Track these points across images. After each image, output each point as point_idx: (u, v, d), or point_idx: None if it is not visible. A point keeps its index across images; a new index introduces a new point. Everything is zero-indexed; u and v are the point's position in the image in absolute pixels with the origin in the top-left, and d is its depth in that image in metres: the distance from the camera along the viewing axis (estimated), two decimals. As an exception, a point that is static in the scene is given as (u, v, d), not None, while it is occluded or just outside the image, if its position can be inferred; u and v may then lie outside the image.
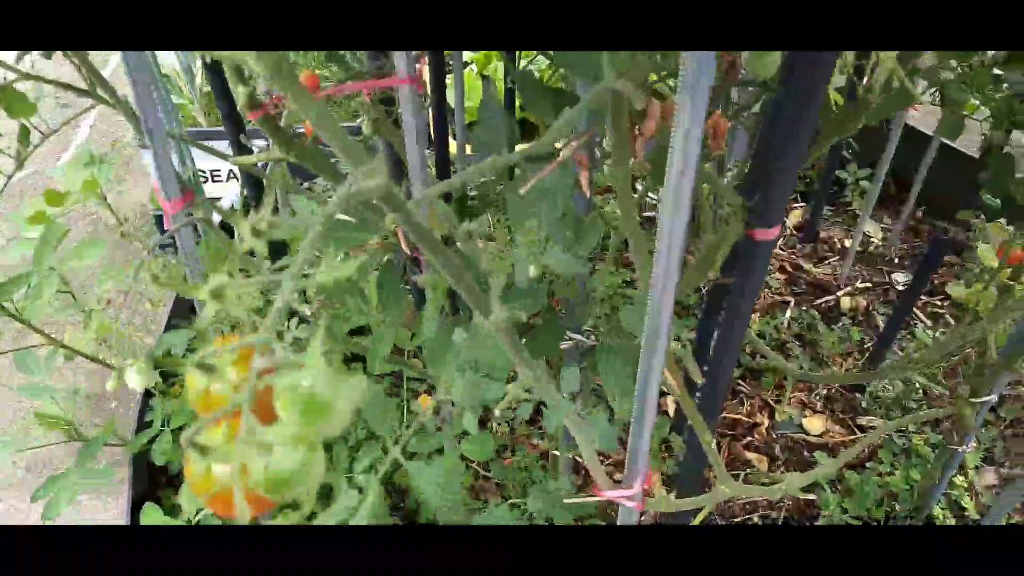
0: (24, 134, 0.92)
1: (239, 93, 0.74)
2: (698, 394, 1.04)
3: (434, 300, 0.92)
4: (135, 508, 1.33)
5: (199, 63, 2.26)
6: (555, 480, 1.26)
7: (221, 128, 1.55)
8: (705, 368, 0.97)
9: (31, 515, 1.74)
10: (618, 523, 0.89)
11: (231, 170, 2.17)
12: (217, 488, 0.31)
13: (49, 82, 0.82)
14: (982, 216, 1.36)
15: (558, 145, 0.73)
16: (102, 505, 1.75)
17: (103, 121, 3.30)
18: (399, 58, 0.85)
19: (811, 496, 1.53)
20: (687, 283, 0.97)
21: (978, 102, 1.16)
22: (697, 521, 1.04)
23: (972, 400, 1.31)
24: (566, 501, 0.89)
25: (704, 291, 1.79)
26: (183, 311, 1.67)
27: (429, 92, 1.31)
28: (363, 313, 1.01)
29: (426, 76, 1.28)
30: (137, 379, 0.73)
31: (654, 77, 0.70)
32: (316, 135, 1.25)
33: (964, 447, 1.37)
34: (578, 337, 1.11)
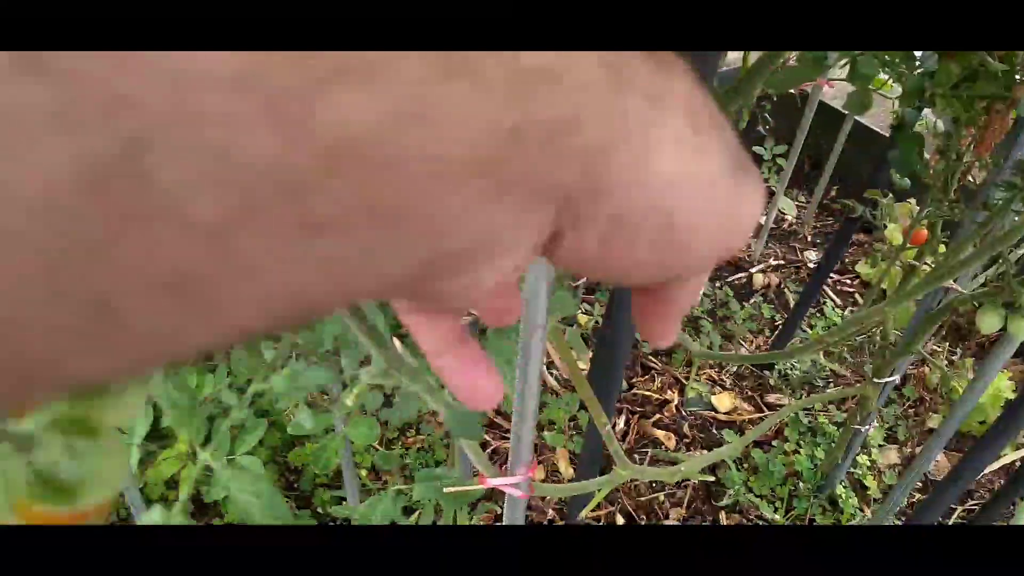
0: None
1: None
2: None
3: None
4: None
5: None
6: (452, 466, 1.20)
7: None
8: (604, 345, 0.92)
9: None
10: (506, 510, 0.83)
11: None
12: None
13: None
14: (890, 195, 1.35)
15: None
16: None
17: None
18: None
19: (715, 475, 1.52)
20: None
21: (889, 78, 1.14)
22: (593, 504, 0.99)
23: (874, 380, 1.31)
24: (446, 490, 0.83)
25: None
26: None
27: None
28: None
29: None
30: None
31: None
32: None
33: (867, 427, 1.37)
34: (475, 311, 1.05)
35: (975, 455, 1.08)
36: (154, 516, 0.50)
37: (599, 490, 1.10)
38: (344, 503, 1.17)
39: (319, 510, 1.36)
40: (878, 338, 1.30)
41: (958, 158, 0.97)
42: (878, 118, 2.21)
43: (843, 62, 1.11)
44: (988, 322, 0.84)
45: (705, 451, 1.57)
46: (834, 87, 1.81)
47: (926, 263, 1.22)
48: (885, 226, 1.36)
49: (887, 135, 1.40)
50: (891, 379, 1.30)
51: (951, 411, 1.12)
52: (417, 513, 1.11)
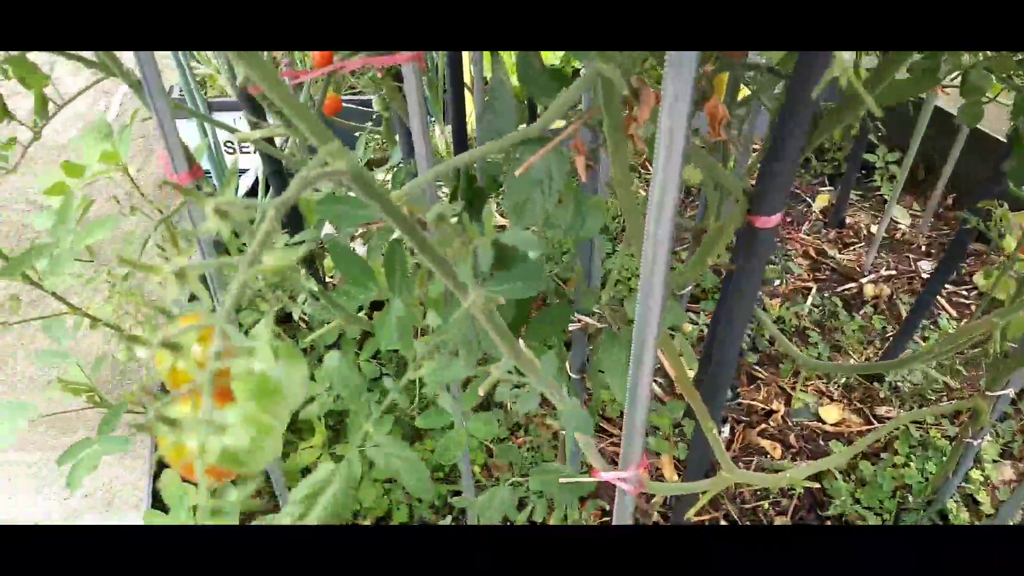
0: (40, 103, 0.93)
1: (239, 72, 0.75)
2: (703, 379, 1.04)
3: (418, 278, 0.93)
4: (157, 472, 1.37)
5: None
6: (563, 462, 1.27)
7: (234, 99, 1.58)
8: (711, 354, 0.97)
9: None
10: (615, 506, 0.89)
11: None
12: (186, 458, 0.32)
13: (62, 53, 0.83)
14: (1005, 204, 1.33)
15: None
16: (126, 470, 1.80)
17: (134, 99, 3.34)
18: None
19: (821, 485, 1.52)
20: (692, 270, 0.96)
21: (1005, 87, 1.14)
22: (698, 506, 1.04)
23: (987, 393, 1.30)
24: (561, 481, 0.90)
25: (722, 276, 1.77)
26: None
27: (448, 70, 1.31)
28: (371, 291, 1.02)
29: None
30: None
31: (652, 63, 0.69)
32: (321, 111, 1.26)
33: (978, 440, 1.36)
34: (585, 319, 1.12)
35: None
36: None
37: (704, 492, 1.13)
38: (461, 495, 1.26)
39: (435, 503, 1.46)
40: (992, 349, 1.29)
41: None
42: (998, 122, 2.14)
43: (955, 74, 1.12)
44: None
45: (811, 461, 1.58)
46: (950, 93, 1.77)
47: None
48: (1002, 235, 1.33)
49: (1005, 140, 1.38)
50: (1005, 392, 1.29)
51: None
52: (530, 508, 1.18)
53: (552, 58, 2.10)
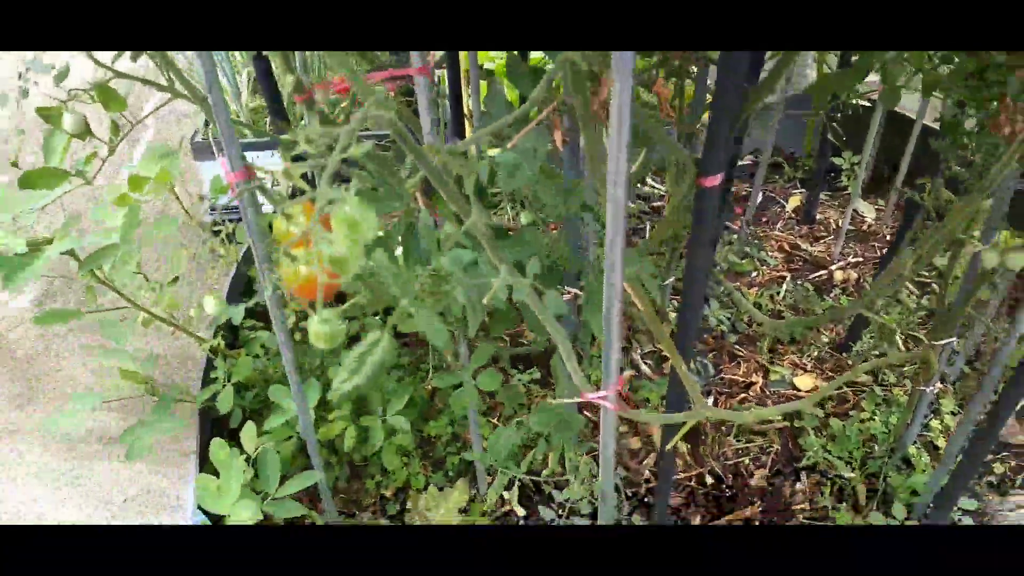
0: (115, 126, 1.14)
1: (286, 82, 0.95)
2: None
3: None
4: (203, 454, 1.55)
5: (245, 78, 2.49)
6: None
7: (265, 139, 1.80)
8: (679, 300, 1.16)
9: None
10: (601, 424, 1.07)
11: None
12: (299, 279, 0.51)
13: (138, 79, 1.04)
14: (940, 181, 1.53)
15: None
16: (161, 477, 1.96)
17: (159, 133, 3.57)
18: (414, 53, 1.05)
19: (797, 441, 1.69)
20: (660, 232, 1.15)
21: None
22: (679, 436, 1.21)
23: (934, 343, 1.48)
24: (552, 402, 1.07)
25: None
26: (235, 295, 1.90)
27: (447, 87, 1.52)
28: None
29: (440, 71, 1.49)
30: (214, 306, 0.94)
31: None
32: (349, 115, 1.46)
33: (931, 388, 1.53)
34: (574, 290, 1.31)
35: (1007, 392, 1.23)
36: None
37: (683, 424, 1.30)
38: (471, 450, 1.43)
39: (449, 473, 1.63)
40: (937, 303, 1.47)
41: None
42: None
43: (877, 66, 1.32)
44: (989, 258, 1.03)
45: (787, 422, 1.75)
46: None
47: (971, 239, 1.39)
48: (940, 212, 1.53)
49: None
50: (949, 340, 1.47)
51: (993, 358, 1.29)
52: (532, 452, 1.36)
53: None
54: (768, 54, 1.31)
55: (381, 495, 1.58)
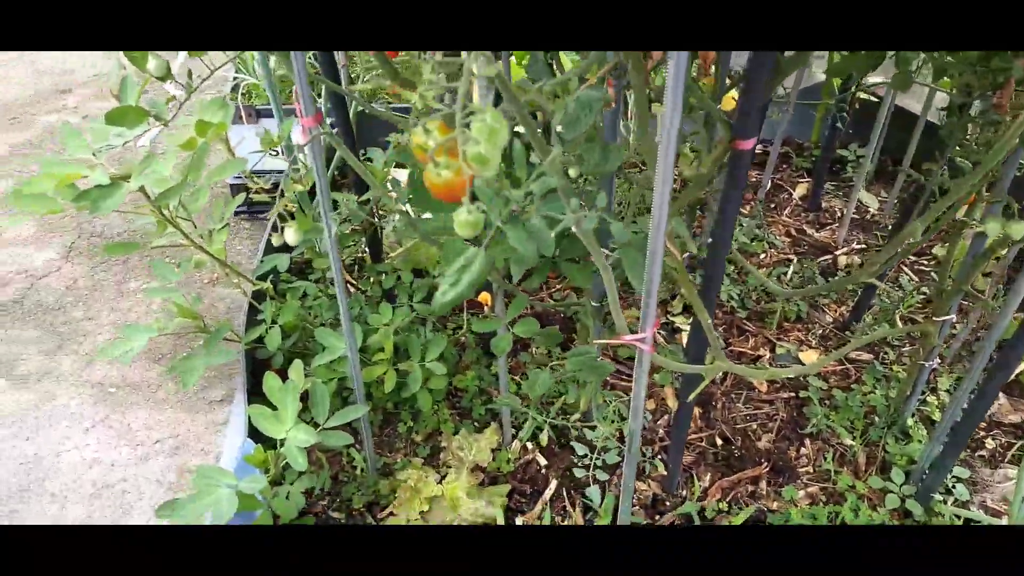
0: (188, 74, 1.22)
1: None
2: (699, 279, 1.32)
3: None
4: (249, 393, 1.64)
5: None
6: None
7: (289, 106, 1.90)
8: (705, 257, 1.25)
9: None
10: (635, 366, 1.16)
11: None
12: (444, 182, 0.60)
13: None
14: (943, 167, 1.63)
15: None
16: (194, 425, 2.05)
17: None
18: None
19: (802, 411, 1.80)
20: (691, 192, 1.25)
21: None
22: (700, 388, 1.31)
23: (934, 319, 1.58)
24: (595, 342, 1.17)
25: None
26: (270, 249, 1.99)
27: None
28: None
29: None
30: (294, 235, 1.03)
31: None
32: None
33: (930, 362, 1.64)
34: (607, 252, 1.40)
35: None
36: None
37: (704, 376, 1.40)
38: (498, 400, 1.53)
39: (476, 423, 1.72)
40: (940, 283, 1.57)
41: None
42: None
43: (890, 53, 1.41)
44: (992, 228, 1.12)
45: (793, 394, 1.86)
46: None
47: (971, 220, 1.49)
48: (943, 190, 1.63)
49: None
50: (948, 317, 1.57)
51: (986, 336, 1.39)
52: (562, 398, 1.45)
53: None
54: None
55: (411, 439, 1.68)
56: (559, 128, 0.75)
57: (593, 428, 1.65)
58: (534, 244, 0.85)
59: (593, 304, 1.45)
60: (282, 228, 1.03)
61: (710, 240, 1.22)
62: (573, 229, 0.92)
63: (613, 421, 1.62)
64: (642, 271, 1.18)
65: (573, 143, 1.09)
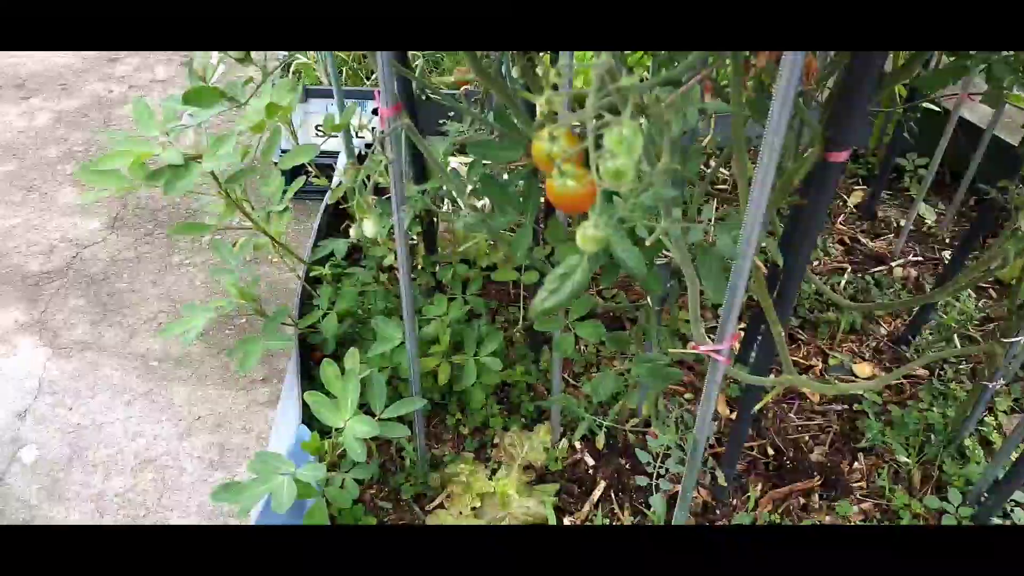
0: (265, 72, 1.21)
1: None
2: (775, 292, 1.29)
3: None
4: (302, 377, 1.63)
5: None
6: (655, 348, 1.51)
7: (351, 88, 1.86)
8: (782, 267, 1.22)
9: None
10: (707, 378, 1.14)
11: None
12: (571, 195, 0.58)
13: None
14: (1020, 186, 1.58)
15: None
16: (237, 404, 2.06)
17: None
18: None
19: (855, 425, 1.76)
20: (773, 202, 1.21)
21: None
22: (767, 399, 1.28)
23: (1002, 339, 1.54)
24: (671, 351, 1.15)
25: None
26: (321, 235, 1.98)
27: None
28: (510, 215, 1.28)
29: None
30: (372, 227, 1.01)
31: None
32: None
33: (994, 384, 1.60)
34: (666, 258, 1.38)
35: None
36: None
37: (771, 388, 1.38)
38: (549, 398, 1.51)
39: (523, 418, 1.71)
40: (1009, 304, 1.53)
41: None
42: (1015, 136, 2.38)
43: (981, 68, 1.37)
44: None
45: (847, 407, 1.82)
46: (973, 100, 2.02)
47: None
48: (1017, 209, 1.58)
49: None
50: (1017, 339, 1.53)
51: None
52: (621, 402, 1.43)
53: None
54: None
55: (459, 432, 1.66)
56: (671, 136, 0.72)
57: (642, 433, 1.62)
58: (639, 255, 0.82)
59: (655, 307, 1.42)
60: (361, 220, 1.02)
61: (788, 252, 1.19)
62: (663, 238, 0.89)
63: (676, 429, 1.60)
64: (721, 282, 1.16)
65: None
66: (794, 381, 1.31)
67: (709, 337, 1.02)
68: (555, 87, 0.59)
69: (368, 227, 1.01)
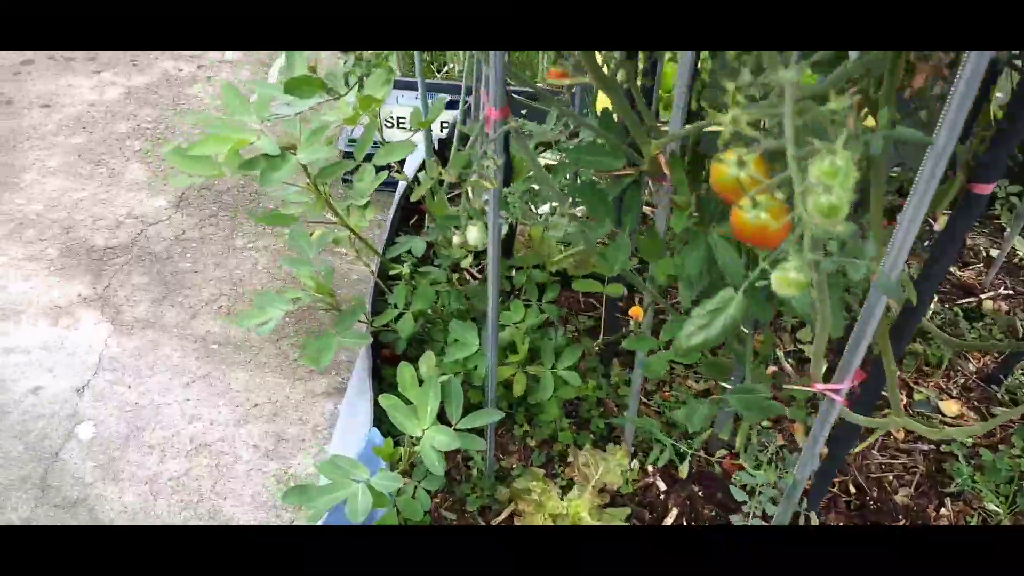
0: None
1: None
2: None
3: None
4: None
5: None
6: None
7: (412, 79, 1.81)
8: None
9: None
10: (819, 416, 1.06)
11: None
12: (754, 226, 0.51)
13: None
14: None
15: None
16: (293, 393, 2.02)
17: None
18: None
19: (943, 468, 1.67)
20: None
21: None
22: (872, 439, 1.20)
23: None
24: (785, 387, 1.07)
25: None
26: (393, 229, 1.94)
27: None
28: (606, 227, 1.21)
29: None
30: (477, 235, 0.95)
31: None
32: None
33: (1102, 435, 1.49)
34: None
35: None
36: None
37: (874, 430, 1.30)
38: (623, 415, 1.44)
39: (592, 435, 1.64)
40: None
41: None
42: None
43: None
44: None
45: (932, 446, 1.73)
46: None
47: None
48: None
49: None
50: None
51: None
52: (708, 432, 1.36)
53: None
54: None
55: (526, 444, 1.61)
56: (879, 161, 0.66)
57: (718, 462, 1.55)
58: (807, 296, 0.76)
59: (747, 331, 1.35)
60: (466, 226, 0.96)
61: (916, 281, 1.11)
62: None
63: (772, 464, 1.52)
64: (840, 314, 1.09)
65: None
66: (905, 423, 1.23)
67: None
68: (751, 99, 0.53)
69: (472, 234, 0.95)
